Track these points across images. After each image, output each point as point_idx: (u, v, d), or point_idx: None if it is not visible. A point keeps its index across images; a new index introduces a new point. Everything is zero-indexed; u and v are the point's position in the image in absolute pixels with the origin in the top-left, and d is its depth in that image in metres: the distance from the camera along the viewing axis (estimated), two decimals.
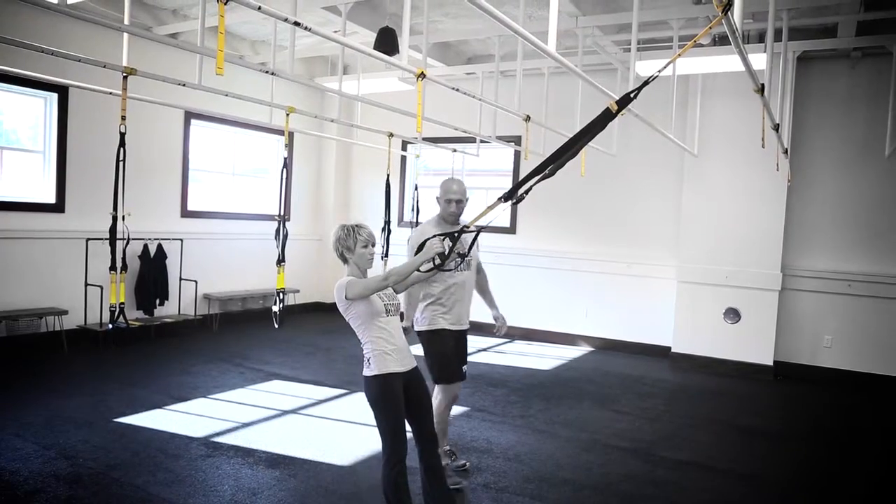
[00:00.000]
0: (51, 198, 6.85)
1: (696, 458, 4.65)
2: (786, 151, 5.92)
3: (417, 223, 7.35)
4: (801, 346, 7.27)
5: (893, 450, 5.16)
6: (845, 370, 7.04)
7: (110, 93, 4.79)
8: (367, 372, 3.12)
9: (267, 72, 4.88)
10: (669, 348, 7.74)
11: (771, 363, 7.17)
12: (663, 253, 7.99)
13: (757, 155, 6.55)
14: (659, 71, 2.44)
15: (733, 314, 7.32)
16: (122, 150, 4.08)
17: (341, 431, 4.89)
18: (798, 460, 4.75)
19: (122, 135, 4.05)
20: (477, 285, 4.22)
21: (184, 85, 4.75)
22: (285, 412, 5.21)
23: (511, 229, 8.93)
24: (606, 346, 8.30)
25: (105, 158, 6.55)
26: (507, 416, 5.36)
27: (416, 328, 3.99)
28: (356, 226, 3.20)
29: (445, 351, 3.93)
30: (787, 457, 4.81)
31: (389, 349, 3.10)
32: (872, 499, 4.12)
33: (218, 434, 4.61)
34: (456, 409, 5.37)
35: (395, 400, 3.08)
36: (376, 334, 3.09)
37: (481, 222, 3.02)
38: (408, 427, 3.16)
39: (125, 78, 4.14)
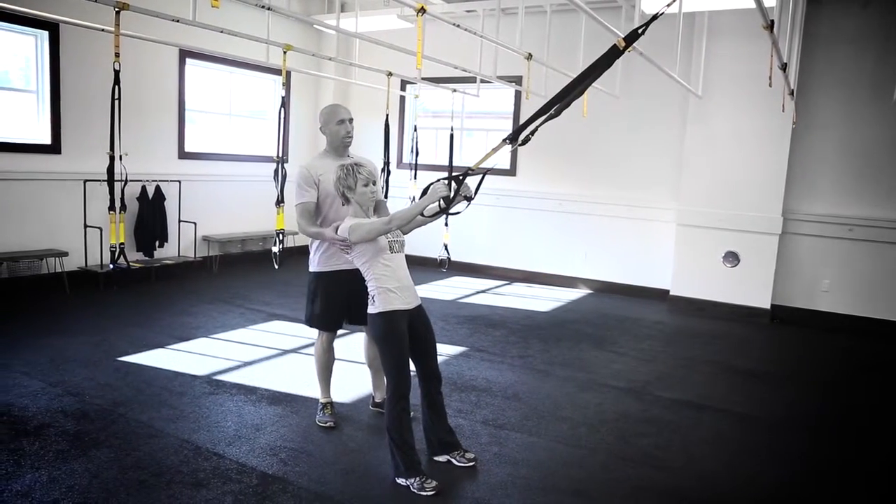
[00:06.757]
0: (46, 139, 6.76)
1: (691, 397, 4.72)
2: (792, 93, 5.83)
3: (417, 165, 7.30)
4: (798, 290, 7.31)
5: (885, 391, 5.26)
6: (842, 314, 7.09)
7: (102, 29, 4.67)
8: (371, 309, 3.15)
9: (263, 7, 4.75)
10: (668, 291, 7.79)
11: (768, 307, 7.22)
12: (664, 196, 7.95)
13: (762, 97, 6.45)
14: (668, 4, 2.37)
15: (732, 257, 7.33)
16: (116, 88, 4.00)
17: (343, 370, 4.93)
18: (791, 401, 4.84)
19: (117, 72, 3.96)
20: None
21: (178, 21, 4.63)
22: (286, 351, 5.27)
23: (511, 171, 8.86)
24: (605, 289, 8.35)
25: (100, 99, 6.44)
26: (506, 357, 5.43)
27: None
28: (355, 164, 3.18)
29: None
30: (781, 398, 4.89)
31: (393, 287, 3.12)
32: (864, 437, 4.21)
33: (220, 372, 4.67)
34: (455, 349, 5.47)
35: (400, 337, 3.12)
36: (381, 272, 3.11)
37: (486, 165, 2.99)
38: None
39: (118, 13, 4.02)
